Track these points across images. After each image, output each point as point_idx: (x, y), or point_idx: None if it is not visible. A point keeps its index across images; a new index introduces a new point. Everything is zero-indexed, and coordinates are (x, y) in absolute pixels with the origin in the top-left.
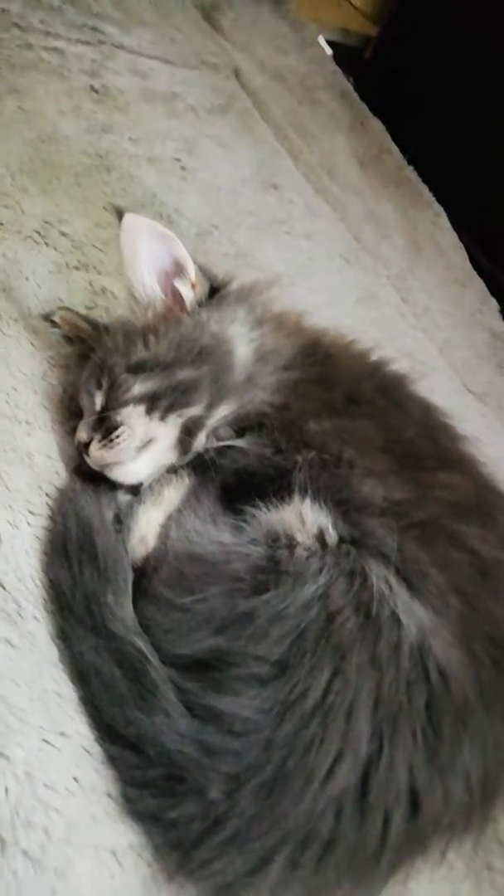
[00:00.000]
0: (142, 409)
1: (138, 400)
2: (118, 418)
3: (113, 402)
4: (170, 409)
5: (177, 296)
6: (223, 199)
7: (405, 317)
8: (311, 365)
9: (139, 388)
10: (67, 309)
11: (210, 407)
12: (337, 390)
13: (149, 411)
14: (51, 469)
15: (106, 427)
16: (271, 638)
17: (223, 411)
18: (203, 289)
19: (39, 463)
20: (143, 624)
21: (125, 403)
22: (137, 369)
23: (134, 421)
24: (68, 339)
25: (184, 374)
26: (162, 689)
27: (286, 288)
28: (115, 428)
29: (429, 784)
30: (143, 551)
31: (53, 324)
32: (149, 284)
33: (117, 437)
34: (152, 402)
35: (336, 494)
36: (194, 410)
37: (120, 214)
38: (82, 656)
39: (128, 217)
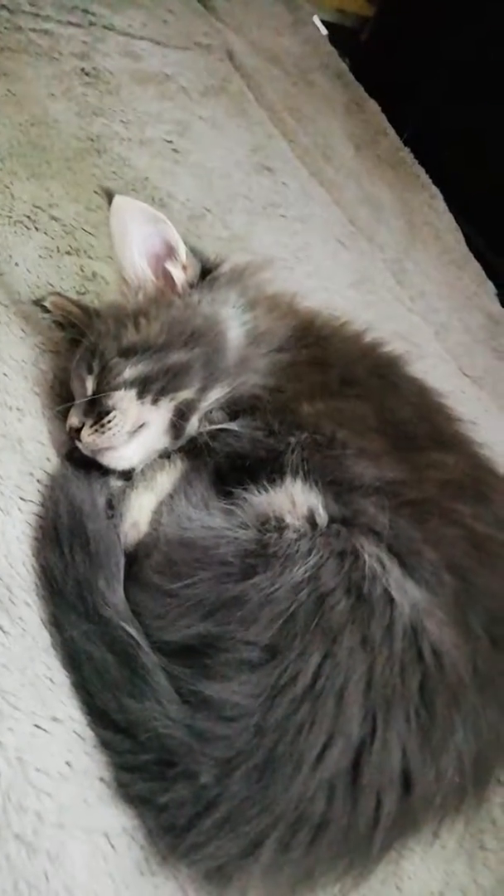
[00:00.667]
0: (133, 393)
1: (130, 384)
2: (109, 403)
3: (104, 386)
4: (162, 393)
5: (168, 278)
6: (216, 182)
7: (401, 300)
8: (305, 347)
9: (130, 371)
10: (59, 294)
11: (202, 390)
12: (331, 371)
13: (140, 395)
14: (42, 455)
15: (97, 412)
16: (261, 622)
17: (216, 394)
18: (194, 270)
19: (30, 449)
20: (134, 610)
21: (116, 387)
22: (128, 353)
23: (125, 405)
24: (59, 325)
25: (175, 357)
26: (153, 674)
27: (281, 271)
28: (107, 412)
29: (421, 765)
30: (136, 536)
31: (44, 309)
32: (139, 267)
33: (109, 421)
34: (144, 386)
35: (328, 475)
36: (186, 394)
37: (110, 197)
38: (74, 642)
39: (118, 199)
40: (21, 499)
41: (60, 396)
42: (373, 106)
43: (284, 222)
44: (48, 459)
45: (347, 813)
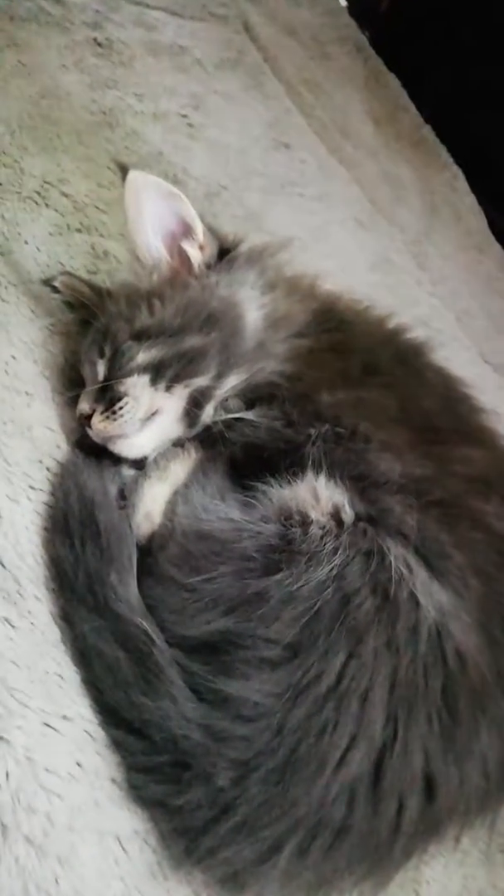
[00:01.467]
0: (146, 378)
1: (142, 369)
2: (121, 389)
3: (116, 371)
4: (176, 379)
5: (184, 258)
6: (232, 159)
7: (421, 283)
8: (326, 332)
9: (143, 356)
10: (69, 274)
11: (218, 377)
12: (352, 359)
13: (154, 381)
14: (51, 442)
15: (109, 398)
16: (283, 620)
17: (232, 381)
18: (212, 250)
19: (39, 435)
20: (149, 604)
21: (129, 373)
22: (141, 336)
23: (138, 391)
24: (70, 305)
25: (191, 342)
26: (167, 672)
27: (298, 252)
28: (119, 399)
29: (445, 770)
30: (149, 528)
31: (54, 289)
32: (154, 245)
33: (120, 408)
34: (157, 372)
35: (351, 470)
36: (202, 380)
37: (124, 171)
38: (84, 637)
39: (132, 174)
40: (30, 487)
41: (71, 381)
42: (392, 81)
43: (302, 201)
44: (58, 447)
45: (368, 818)
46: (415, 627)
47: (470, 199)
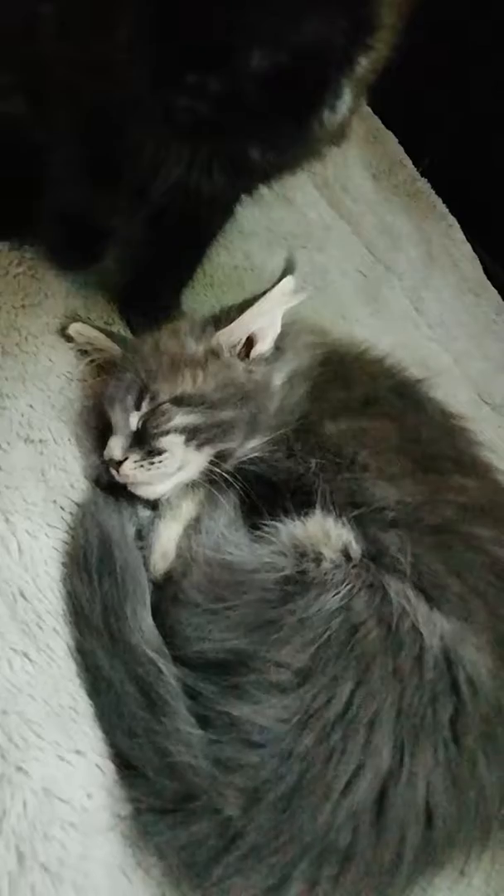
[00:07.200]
0: (182, 438)
1: (180, 430)
2: (160, 445)
3: (152, 428)
4: (206, 443)
5: (249, 344)
6: (238, 213)
7: (419, 328)
8: (329, 369)
9: (181, 419)
10: (82, 322)
11: (244, 441)
12: (354, 390)
13: (187, 441)
14: (65, 483)
15: (147, 450)
16: (294, 645)
17: (255, 443)
18: (271, 349)
19: (53, 477)
20: (171, 626)
21: (166, 432)
22: (182, 402)
23: (175, 449)
24: (84, 353)
25: (225, 415)
26: (173, 704)
27: (301, 303)
28: (159, 453)
29: (445, 800)
30: (164, 566)
31: (68, 338)
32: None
33: (160, 461)
34: (192, 435)
35: (349, 499)
36: (229, 444)
37: None
38: (98, 669)
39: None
40: (48, 525)
41: (87, 424)
42: (390, 137)
43: (305, 253)
44: (72, 486)
45: (372, 846)
46: (419, 656)
47: (465, 247)
